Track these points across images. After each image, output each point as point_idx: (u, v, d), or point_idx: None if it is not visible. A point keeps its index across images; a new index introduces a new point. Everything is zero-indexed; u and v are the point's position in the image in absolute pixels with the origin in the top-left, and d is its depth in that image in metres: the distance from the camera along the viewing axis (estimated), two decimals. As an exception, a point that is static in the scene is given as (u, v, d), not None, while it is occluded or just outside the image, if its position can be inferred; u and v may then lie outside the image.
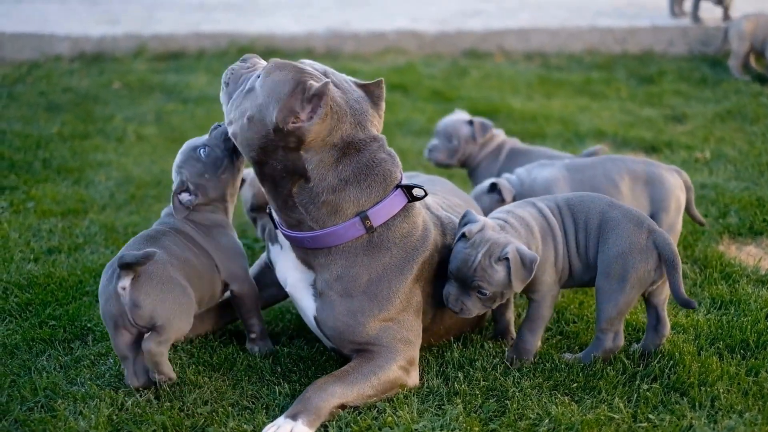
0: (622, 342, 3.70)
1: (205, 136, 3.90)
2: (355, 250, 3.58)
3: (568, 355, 3.75)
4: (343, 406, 3.39)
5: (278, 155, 3.46)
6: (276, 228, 3.76)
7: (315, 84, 3.41)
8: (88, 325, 4.09)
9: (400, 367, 3.56)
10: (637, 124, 7.92)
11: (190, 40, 10.49)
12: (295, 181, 3.51)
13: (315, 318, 3.67)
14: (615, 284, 3.61)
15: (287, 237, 3.66)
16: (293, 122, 3.40)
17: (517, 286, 3.56)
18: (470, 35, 10.81)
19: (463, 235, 3.61)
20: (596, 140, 7.36)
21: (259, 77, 3.52)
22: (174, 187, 3.84)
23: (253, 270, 4.19)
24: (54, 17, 11.29)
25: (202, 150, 3.83)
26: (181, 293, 3.52)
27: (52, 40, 10.17)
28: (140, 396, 3.46)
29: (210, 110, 8.25)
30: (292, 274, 3.75)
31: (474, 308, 3.62)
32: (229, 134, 3.62)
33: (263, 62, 3.68)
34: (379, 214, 3.59)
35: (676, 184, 4.58)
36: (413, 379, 3.61)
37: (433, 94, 8.93)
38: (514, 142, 5.44)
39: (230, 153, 3.82)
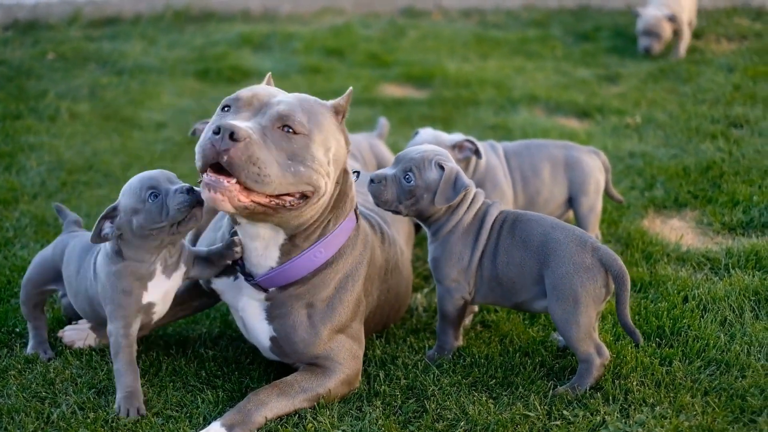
0: (607, 352, 3.57)
1: (169, 176, 3.42)
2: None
3: (561, 388, 3.53)
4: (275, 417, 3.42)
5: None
6: (250, 279, 3.56)
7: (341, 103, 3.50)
8: (17, 330, 4.05)
9: (343, 381, 3.56)
10: (571, 86, 7.99)
11: (125, 3, 10.39)
12: (340, 197, 3.54)
13: (272, 338, 3.59)
14: (570, 307, 3.48)
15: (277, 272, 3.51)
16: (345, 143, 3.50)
17: (439, 201, 3.58)
18: (408, -8, 10.79)
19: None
20: (529, 106, 7.42)
21: (292, 124, 3.23)
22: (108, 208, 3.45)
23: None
24: (-15, -16, 11.10)
25: (150, 194, 3.34)
26: None
27: (-16, 8, 10.04)
28: (66, 407, 3.48)
29: (144, 82, 8.21)
30: (244, 300, 3.64)
31: (387, 192, 3.63)
32: (309, 187, 3.28)
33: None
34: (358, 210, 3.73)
35: (595, 166, 4.68)
36: (355, 387, 3.63)
37: (369, 58, 8.92)
38: None
39: (172, 225, 3.34)
